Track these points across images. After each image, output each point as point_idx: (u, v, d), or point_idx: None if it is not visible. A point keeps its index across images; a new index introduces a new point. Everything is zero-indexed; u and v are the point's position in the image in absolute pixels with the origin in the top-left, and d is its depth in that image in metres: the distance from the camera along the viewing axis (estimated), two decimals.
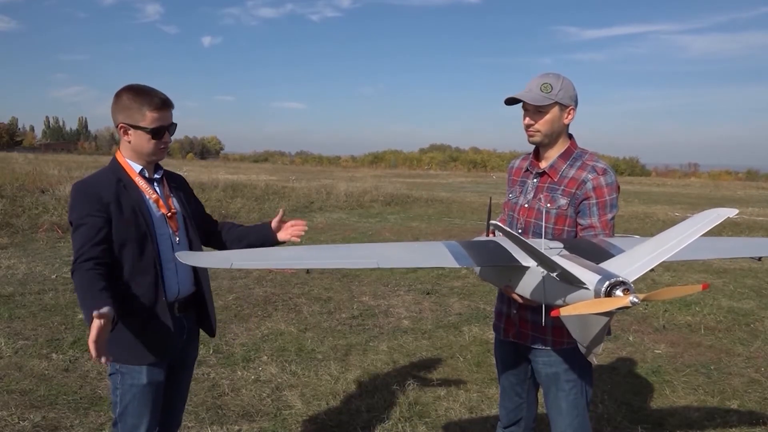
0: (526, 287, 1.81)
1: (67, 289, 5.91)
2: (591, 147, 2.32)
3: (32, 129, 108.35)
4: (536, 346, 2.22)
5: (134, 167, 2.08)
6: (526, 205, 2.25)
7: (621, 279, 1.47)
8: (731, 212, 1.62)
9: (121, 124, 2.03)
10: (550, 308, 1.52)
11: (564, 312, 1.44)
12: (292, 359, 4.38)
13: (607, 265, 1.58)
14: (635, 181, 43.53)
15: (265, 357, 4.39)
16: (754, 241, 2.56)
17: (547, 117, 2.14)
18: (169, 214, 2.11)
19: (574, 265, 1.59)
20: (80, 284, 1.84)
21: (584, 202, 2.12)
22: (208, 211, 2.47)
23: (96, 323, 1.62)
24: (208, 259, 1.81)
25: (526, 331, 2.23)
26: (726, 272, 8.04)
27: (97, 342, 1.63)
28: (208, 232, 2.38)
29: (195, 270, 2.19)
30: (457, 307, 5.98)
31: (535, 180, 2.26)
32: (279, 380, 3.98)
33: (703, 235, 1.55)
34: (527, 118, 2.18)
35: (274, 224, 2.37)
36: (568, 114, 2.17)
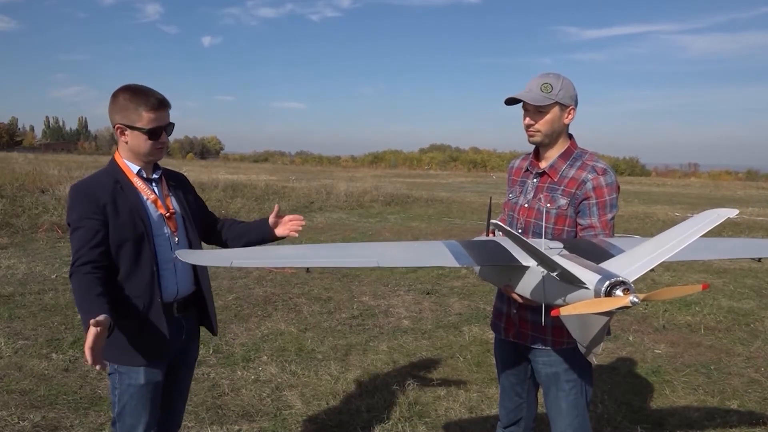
0: (526, 287, 1.81)
1: (67, 289, 5.90)
2: (591, 147, 2.32)
3: (32, 129, 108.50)
4: (536, 346, 2.22)
5: (132, 168, 2.08)
6: (526, 205, 2.25)
7: (621, 279, 1.46)
8: (731, 212, 1.62)
9: (118, 125, 2.03)
10: (550, 308, 1.52)
11: (564, 312, 1.44)
12: (292, 359, 4.38)
13: (607, 265, 1.58)
14: (635, 181, 43.52)
15: (265, 357, 4.39)
16: (754, 242, 2.57)
17: (548, 117, 2.14)
18: (168, 214, 2.11)
19: (574, 265, 1.59)
20: (78, 288, 1.85)
21: (584, 202, 2.12)
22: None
23: (92, 330, 1.63)
24: (208, 257, 1.81)
25: (526, 330, 2.23)
26: (726, 272, 8.04)
27: (93, 349, 1.63)
28: (210, 230, 2.38)
29: (195, 269, 2.19)
30: (457, 307, 5.98)
31: (535, 180, 2.26)
32: (279, 380, 3.98)
33: (704, 235, 1.55)
34: (527, 118, 2.18)
35: (271, 220, 2.36)
36: (569, 114, 2.17)
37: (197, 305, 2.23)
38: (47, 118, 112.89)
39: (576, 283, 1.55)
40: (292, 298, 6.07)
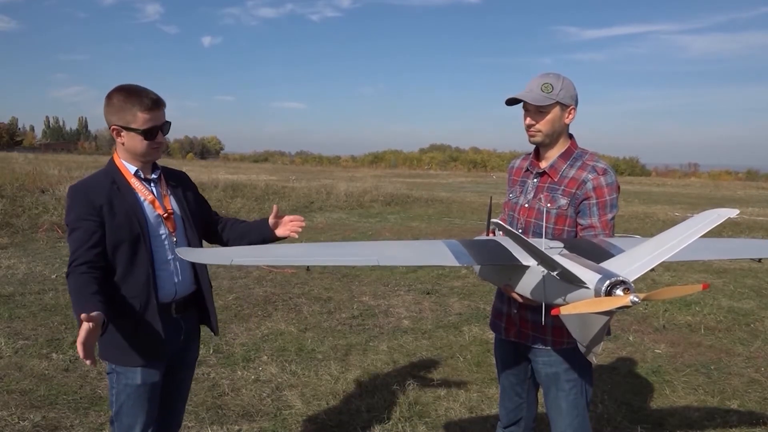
0: (526, 286, 1.81)
1: (67, 289, 5.90)
2: (591, 147, 2.32)
3: (32, 129, 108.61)
4: (536, 346, 2.22)
5: (129, 168, 2.08)
6: (527, 205, 2.25)
7: (621, 278, 1.46)
8: (732, 212, 1.62)
9: (113, 127, 2.03)
10: (550, 307, 1.52)
11: (564, 311, 1.44)
12: (292, 359, 4.38)
13: (608, 264, 1.58)
14: (635, 181, 43.52)
15: (265, 357, 4.39)
16: (754, 243, 2.57)
17: (548, 117, 2.14)
18: (165, 215, 2.09)
19: (574, 264, 1.59)
20: (73, 288, 1.86)
21: (584, 202, 2.12)
22: None
23: (85, 326, 1.62)
24: (208, 255, 1.81)
25: (526, 330, 2.23)
26: (726, 272, 8.04)
27: (85, 344, 1.62)
28: (211, 229, 2.37)
29: (195, 269, 2.18)
30: (457, 307, 5.98)
31: (535, 180, 2.26)
32: (279, 380, 3.98)
33: (704, 235, 1.55)
34: (528, 118, 2.18)
35: (270, 221, 2.35)
36: (569, 114, 2.17)
37: (197, 305, 2.23)
38: (47, 118, 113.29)
39: (576, 283, 1.55)
40: (292, 298, 6.07)
